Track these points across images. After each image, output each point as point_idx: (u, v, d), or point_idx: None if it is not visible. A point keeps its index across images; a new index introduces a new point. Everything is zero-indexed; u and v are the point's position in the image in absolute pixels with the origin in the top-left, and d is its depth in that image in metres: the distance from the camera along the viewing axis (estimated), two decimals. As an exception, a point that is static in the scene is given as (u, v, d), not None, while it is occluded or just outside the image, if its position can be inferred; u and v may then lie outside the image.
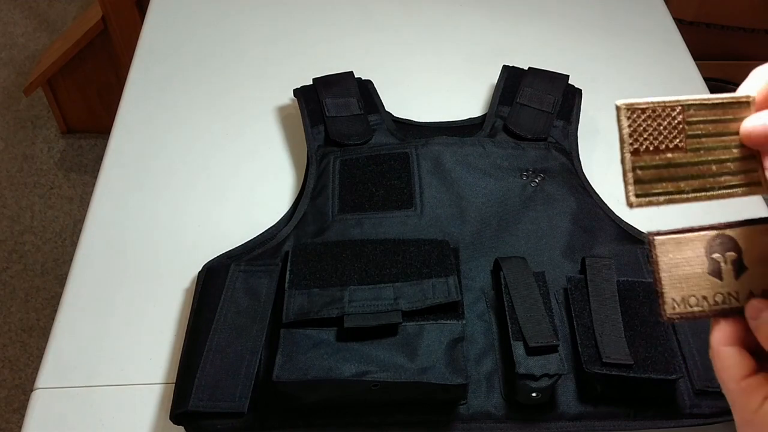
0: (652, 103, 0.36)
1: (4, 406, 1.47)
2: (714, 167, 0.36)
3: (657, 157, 0.36)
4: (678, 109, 0.36)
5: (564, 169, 0.77)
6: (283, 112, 0.92)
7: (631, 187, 0.36)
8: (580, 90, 0.87)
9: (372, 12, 1.09)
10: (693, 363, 0.63)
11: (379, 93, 0.87)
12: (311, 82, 0.87)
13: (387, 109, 0.86)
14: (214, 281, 0.67)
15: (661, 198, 0.36)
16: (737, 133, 0.36)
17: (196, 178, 0.84)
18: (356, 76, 0.88)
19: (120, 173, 0.84)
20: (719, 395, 0.61)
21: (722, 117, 0.36)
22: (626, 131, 0.36)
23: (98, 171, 0.85)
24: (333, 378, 0.57)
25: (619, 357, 0.59)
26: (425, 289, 0.62)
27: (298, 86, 0.87)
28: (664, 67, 1.00)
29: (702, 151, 0.36)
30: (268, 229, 0.74)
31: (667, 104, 0.36)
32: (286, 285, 0.63)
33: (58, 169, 1.90)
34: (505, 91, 0.86)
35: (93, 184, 0.84)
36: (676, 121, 0.36)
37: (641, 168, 0.36)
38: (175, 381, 0.62)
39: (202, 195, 0.82)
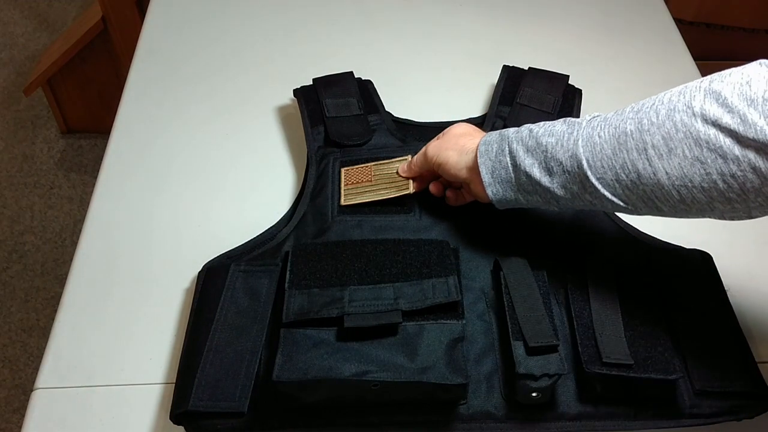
0: (358, 166, 0.77)
1: (4, 406, 1.47)
2: (382, 187, 0.75)
3: (357, 185, 0.75)
4: (370, 167, 0.77)
5: (564, 169, 0.77)
6: (283, 112, 0.92)
7: (343, 198, 0.74)
8: (580, 90, 0.87)
9: (372, 12, 1.09)
10: (693, 363, 0.63)
11: (379, 93, 0.87)
12: (311, 82, 0.87)
13: (387, 109, 0.86)
14: (214, 281, 0.67)
15: (357, 199, 0.74)
16: (396, 172, 0.75)
17: (196, 178, 0.84)
18: (356, 76, 0.88)
19: (120, 173, 0.84)
20: (719, 395, 0.61)
21: (388, 168, 0.76)
22: (344, 177, 0.76)
23: (98, 171, 0.85)
24: (333, 378, 0.57)
25: (619, 357, 0.59)
26: (425, 289, 0.62)
27: (298, 86, 0.87)
28: (664, 67, 1.00)
29: (379, 181, 0.75)
30: (268, 229, 0.74)
31: (365, 166, 0.77)
32: (286, 285, 0.63)
33: (58, 169, 1.90)
34: (505, 91, 0.86)
35: (93, 184, 0.83)
36: (369, 171, 0.76)
37: (348, 190, 0.75)
38: (175, 381, 0.62)
39: (202, 195, 0.82)
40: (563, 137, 0.59)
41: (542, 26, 1.06)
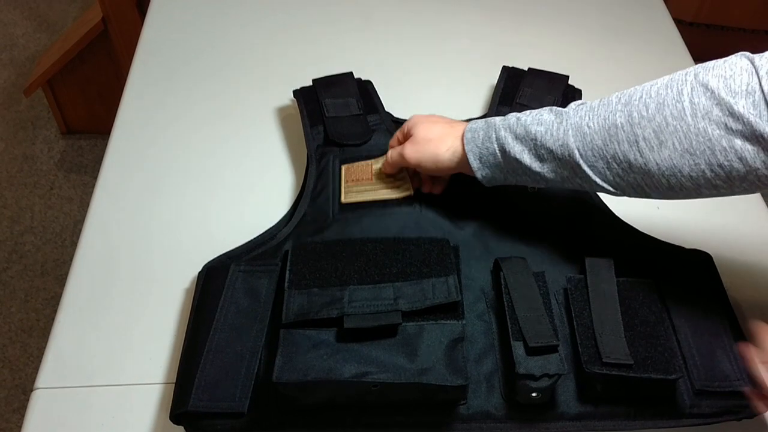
0: (359, 163, 0.77)
1: (4, 406, 1.47)
2: (383, 187, 0.75)
3: (358, 182, 0.76)
4: (371, 164, 0.77)
5: (564, 169, 0.77)
6: (283, 113, 0.92)
7: (343, 195, 0.74)
8: (580, 90, 0.87)
9: (372, 12, 1.09)
10: (693, 363, 0.63)
11: (379, 93, 0.87)
12: (311, 83, 0.87)
13: (387, 109, 0.86)
14: (215, 281, 0.67)
15: (358, 198, 0.74)
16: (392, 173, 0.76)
17: (196, 178, 0.84)
18: (356, 76, 0.87)
19: (120, 173, 0.84)
20: (719, 395, 0.61)
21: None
22: (344, 174, 0.76)
23: (98, 171, 0.85)
24: (333, 379, 0.57)
25: (619, 357, 0.59)
26: (425, 289, 0.62)
27: (298, 87, 0.87)
28: (664, 67, 1.00)
29: (379, 181, 0.76)
30: (269, 229, 0.74)
31: (366, 163, 0.77)
32: (286, 285, 0.63)
33: (58, 170, 1.90)
34: (505, 91, 0.86)
35: (93, 184, 0.83)
36: (369, 168, 0.77)
37: (349, 188, 0.75)
38: (175, 381, 0.62)
39: (202, 195, 0.82)
40: (552, 126, 0.61)
41: (542, 26, 1.06)
